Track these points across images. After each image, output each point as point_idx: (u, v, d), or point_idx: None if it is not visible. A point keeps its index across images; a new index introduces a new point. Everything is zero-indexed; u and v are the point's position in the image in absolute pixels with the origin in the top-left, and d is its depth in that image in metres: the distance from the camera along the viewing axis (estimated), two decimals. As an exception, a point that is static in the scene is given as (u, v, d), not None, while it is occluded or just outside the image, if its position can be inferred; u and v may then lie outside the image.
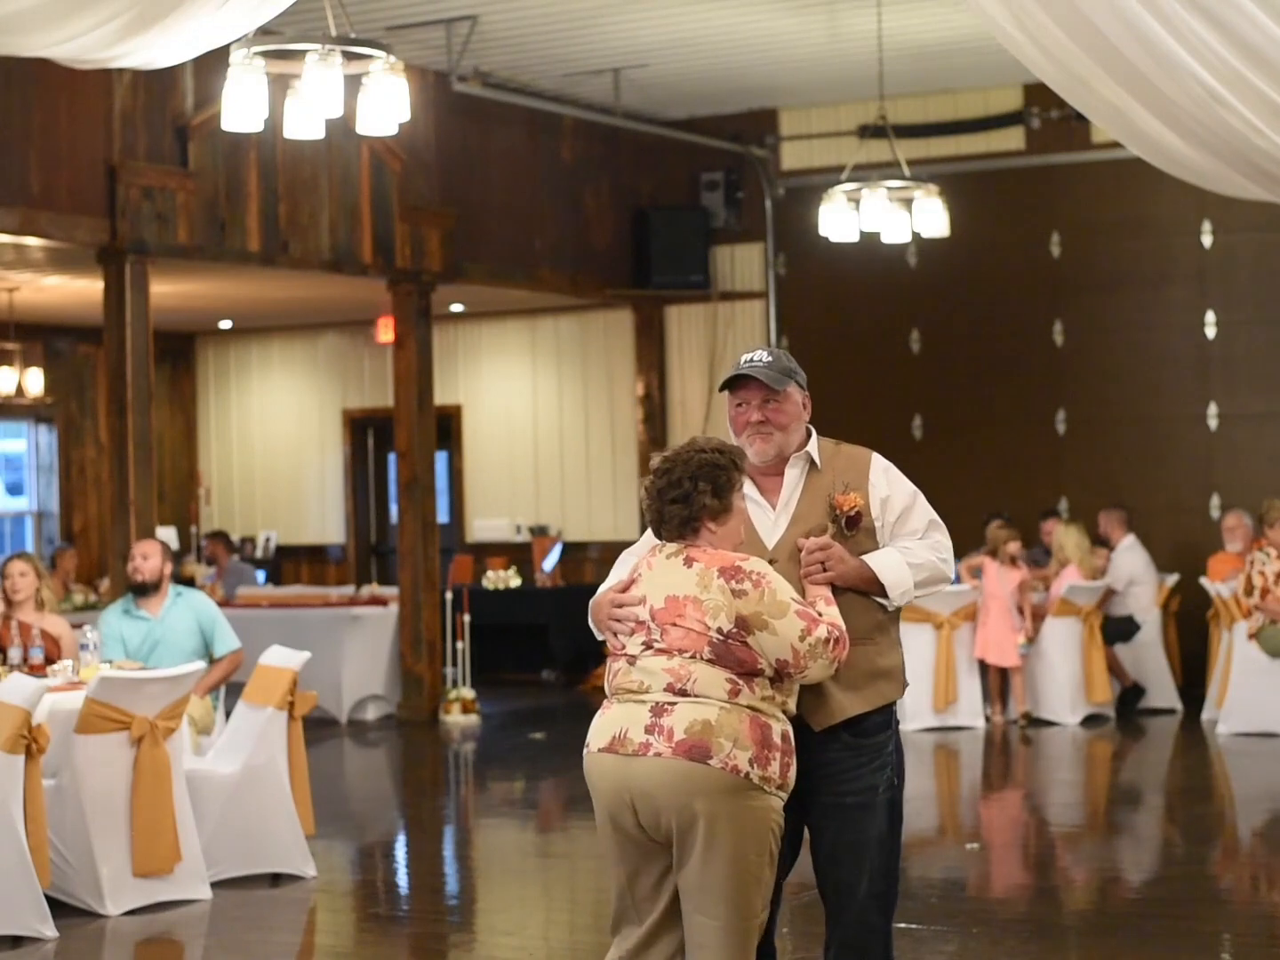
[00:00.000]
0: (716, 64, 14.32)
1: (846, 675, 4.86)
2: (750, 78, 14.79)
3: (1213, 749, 12.47)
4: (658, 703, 4.69)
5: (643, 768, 4.67)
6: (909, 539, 5.00)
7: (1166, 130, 7.44)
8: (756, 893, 4.71)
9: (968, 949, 7.26)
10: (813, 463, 5.03)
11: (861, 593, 4.92)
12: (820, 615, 4.78)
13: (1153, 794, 11.41)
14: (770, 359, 5.05)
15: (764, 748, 4.67)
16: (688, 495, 4.78)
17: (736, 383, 5.03)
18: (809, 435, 5.09)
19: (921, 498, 5.08)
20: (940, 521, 5.08)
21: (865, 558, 4.93)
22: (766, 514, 5.01)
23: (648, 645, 4.74)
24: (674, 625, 4.71)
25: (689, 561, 4.76)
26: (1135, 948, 7.25)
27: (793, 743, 4.76)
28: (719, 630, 4.68)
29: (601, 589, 4.97)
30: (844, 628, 4.78)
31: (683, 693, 4.67)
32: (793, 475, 5.03)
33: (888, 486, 5.02)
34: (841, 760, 4.92)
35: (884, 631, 4.98)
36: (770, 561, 4.90)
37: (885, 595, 4.93)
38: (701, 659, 4.68)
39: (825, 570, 4.88)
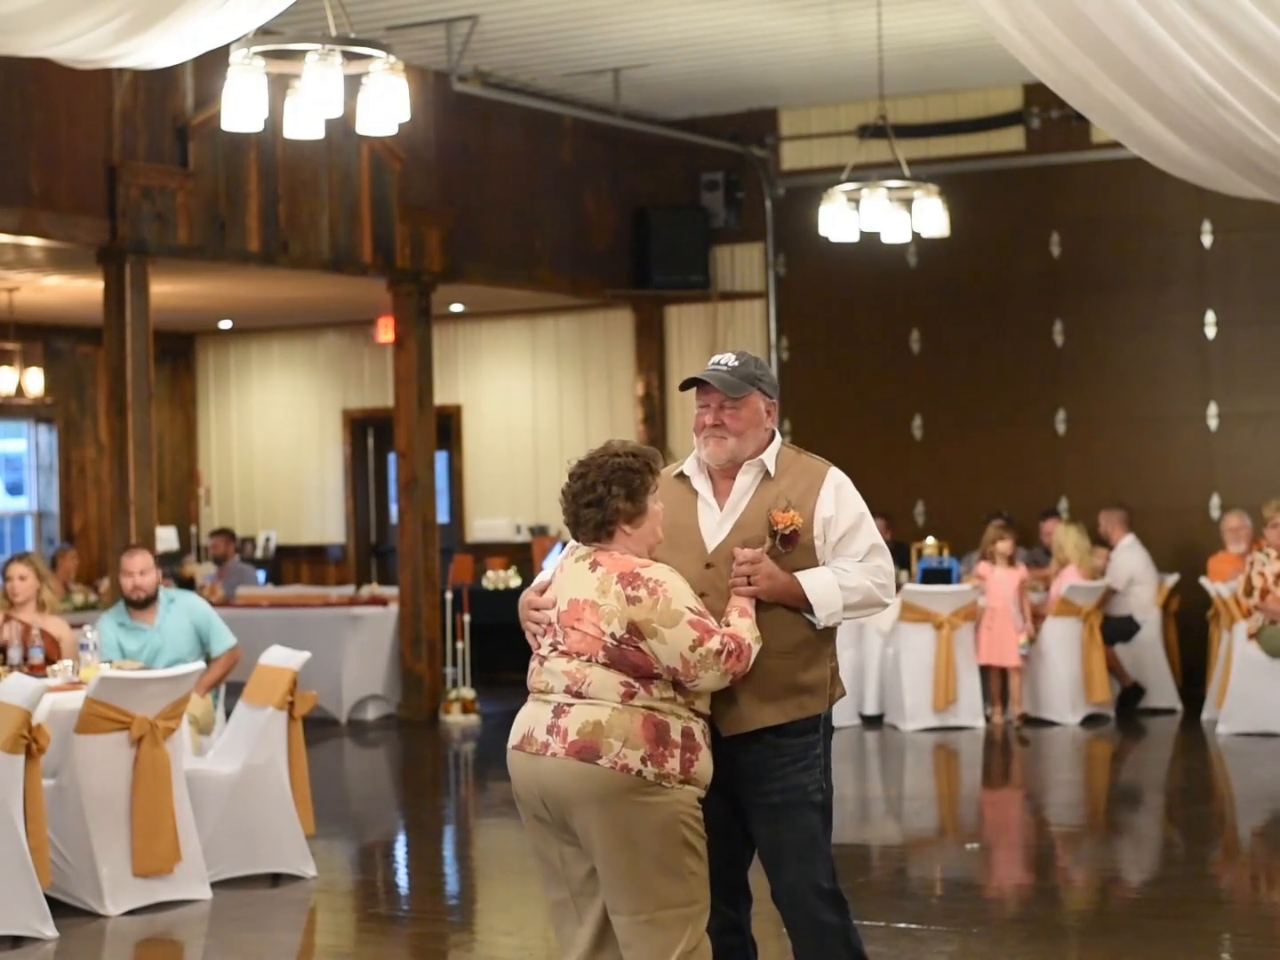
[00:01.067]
0: (716, 64, 14.31)
1: (764, 686, 4.93)
2: (750, 78, 14.79)
3: (1213, 749, 12.47)
4: (558, 704, 4.83)
5: (544, 767, 4.82)
6: (849, 560, 5.01)
7: (1166, 130, 7.44)
8: (674, 884, 4.79)
9: (968, 949, 7.26)
10: (766, 471, 5.06)
11: (792, 608, 4.96)
12: (726, 627, 4.84)
13: (1153, 794, 11.41)
14: (737, 364, 5.09)
15: (659, 745, 4.77)
16: (601, 499, 4.88)
17: (695, 385, 5.09)
18: (771, 441, 5.10)
19: (868, 520, 5.06)
20: (884, 546, 5.08)
21: (798, 575, 4.96)
22: (713, 516, 5.06)
23: (554, 647, 4.88)
24: (573, 629, 4.84)
25: (594, 566, 4.87)
26: (1135, 948, 7.25)
27: (699, 738, 4.85)
28: (612, 635, 4.78)
29: (529, 588, 5.10)
30: (748, 641, 4.83)
31: (579, 695, 4.81)
32: (744, 481, 5.06)
33: (834, 506, 5.02)
34: (766, 760, 4.99)
35: (811, 647, 5.00)
36: (707, 565, 4.97)
37: (813, 614, 4.97)
38: (597, 662, 4.80)
39: (750, 583, 4.91)
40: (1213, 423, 14.93)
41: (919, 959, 7.03)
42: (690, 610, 4.78)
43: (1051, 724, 13.35)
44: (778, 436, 5.15)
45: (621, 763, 4.74)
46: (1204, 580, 13.52)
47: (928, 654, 13.21)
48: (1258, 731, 12.47)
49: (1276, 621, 12.52)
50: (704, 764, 4.85)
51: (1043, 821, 10.30)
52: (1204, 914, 7.85)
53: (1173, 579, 14.28)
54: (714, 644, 4.76)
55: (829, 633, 5.05)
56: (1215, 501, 14.88)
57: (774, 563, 4.94)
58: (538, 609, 4.94)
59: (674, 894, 4.79)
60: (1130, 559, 14.01)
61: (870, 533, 5.04)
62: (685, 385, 5.13)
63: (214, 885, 8.17)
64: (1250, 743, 12.35)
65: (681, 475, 5.13)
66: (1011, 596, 13.26)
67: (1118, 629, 13.88)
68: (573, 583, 4.90)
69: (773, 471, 5.05)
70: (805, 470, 5.07)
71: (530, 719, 4.89)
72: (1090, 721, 13.44)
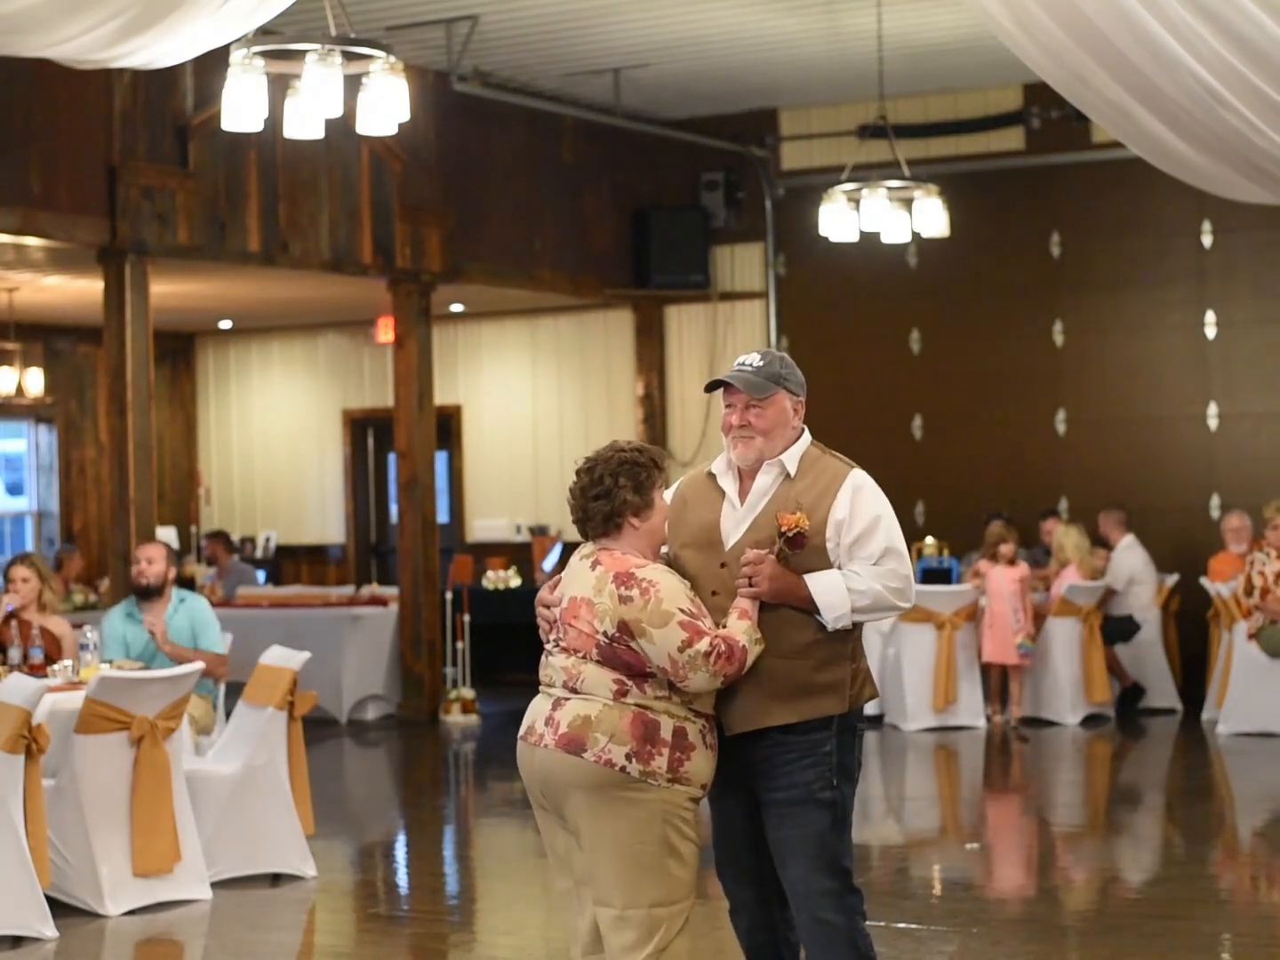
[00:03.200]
0: (716, 64, 14.31)
1: (773, 686, 4.93)
2: (750, 78, 14.79)
3: (1213, 749, 12.47)
4: (557, 698, 4.95)
5: (538, 757, 4.93)
6: (863, 564, 4.95)
7: (1166, 130, 7.45)
8: (652, 883, 4.85)
9: (968, 949, 7.26)
10: (786, 471, 5.03)
11: (803, 609, 4.93)
12: (717, 628, 4.84)
13: (1153, 794, 11.41)
14: (761, 363, 5.08)
15: (646, 743, 4.82)
16: (609, 491, 4.97)
17: (720, 386, 5.10)
18: (798, 439, 5.08)
19: (886, 522, 4.98)
20: (899, 550, 4.99)
21: (806, 577, 4.92)
22: (734, 516, 5.06)
23: (556, 643, 4.99)
24: (571, 625, 4.93)
25: (595, 564, 4.96)
26: (1135, 948, 7.25)
27: (692, 738, 4.87)
28: (604, 634, 4.86)
29: (545, 584, 5.19)
30: (741, 643, 4.83)
31: (574, 690, 4.91)
32: (763, 482, 5.05)
33: (849, 508, 4.96)
34: (772, 757, 4.98)
35: (824, 648, 4.96)
36: (721, 565, 4.98)
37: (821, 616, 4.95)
38: (591, 660, 4.89)
39: (752, 584, 4.91)
40: (1213, 423, 14.92)
41: (919, 959, 7.03)
42: (681, 611, 4.81)
43: (1051, 724, 13.34)
44: (806, 435, 5.11)
45: (605, 757, 4.81)
46: (1204, 580, 13.51)
47: (928, 654, 13.20)
48: (1258, 731, 12.48)
49: (1277, 621, 12.52)
50: (697, 764, 4.88)
51: (1043, 821, 10.30)
52: (1204, 914, 7.85)
53: (1173, 579, 14.28)
54: (703, 645, 4.78)
55: (846, 634, 5.00)
56: (1215, 501, 14.88)
57: (782, 564, 4.91)
58: (548, 605, 5.04)
59: (650, 893, 4.85)
60: (1130, 559, 14.01)
61: (887, 536, 4.97)
62: (710, 387, 5.15)
63: (214, 885, 8.17)
64: (1250, 743, 12.35)
65: (711, 474, 5.14)
66: (1010, 595, 13.24)
67: (1118, 629, 13.87)
68: (575, 580, 4.98)
69: (792, 472, 5.02)
70: (825, 471, 5.03)
71: (534, 711, 5.01)
72: (1090, 721, 13.44)
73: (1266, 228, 14.32)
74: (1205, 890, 8.40)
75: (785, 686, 4.93)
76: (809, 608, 4.93)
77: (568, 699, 4.90)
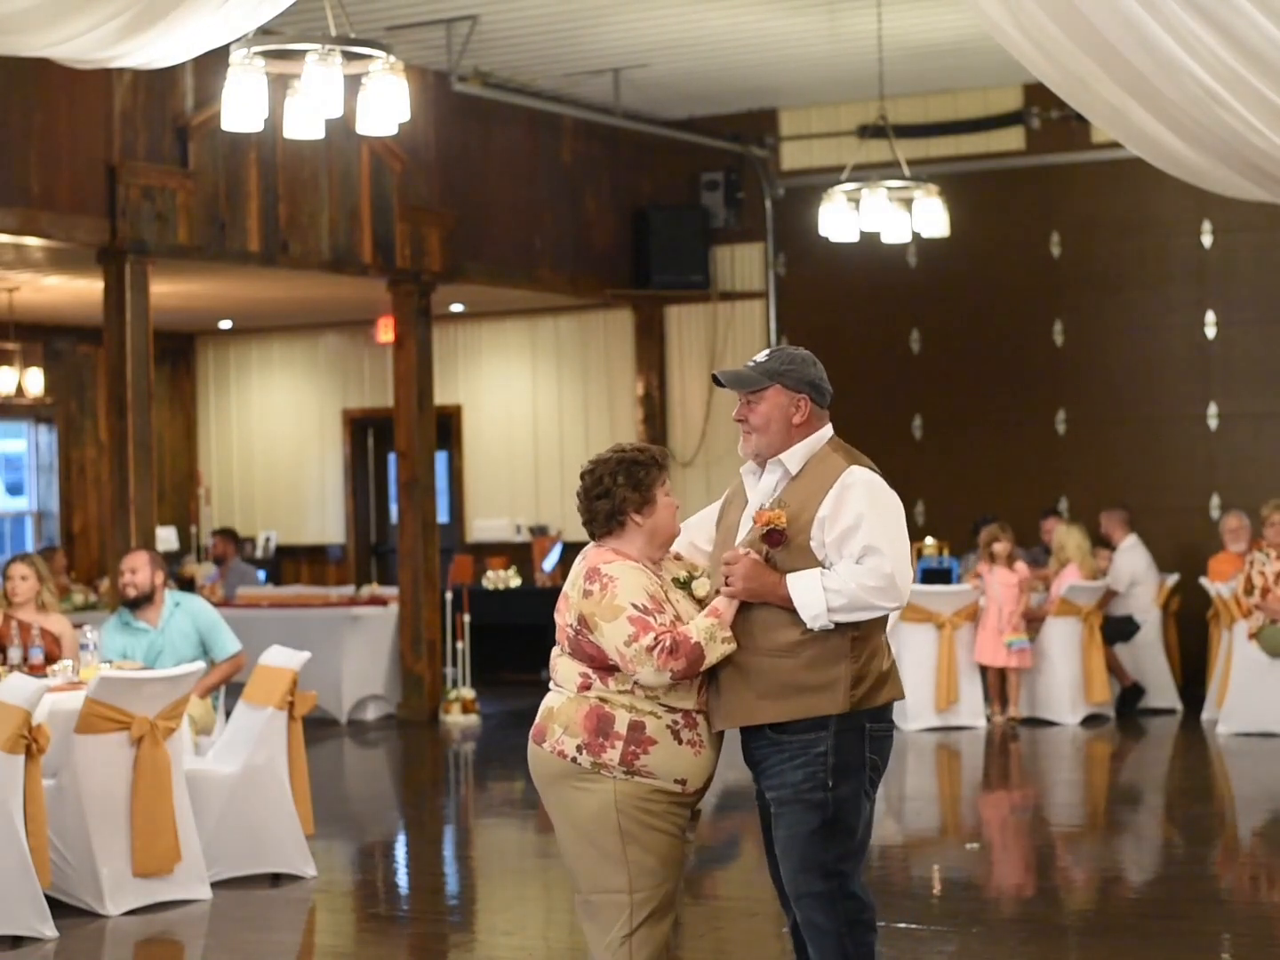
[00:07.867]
0: (716, 64, 14.32)
1: (759, 683, 4.94)
2: (750, 78, 14.79)
3: (1213, 749, 12.47)
4: (548, 691, 5.15)
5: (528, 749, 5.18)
6: (846, 563, 4.87)
7: (1166, 131, 7.44)
8: (611, 870, 5.00)
9: (968, 949, 7.26)
10: (788, 470, 5.02)
11: (788, 609, 4.90)
12: (666, 624, 4.90)
13: (1153, 794, 11.41)
14: (764, 359, 5.10)
15: (598, 736, 4.96)
16: (608, 490, 5.06)
17: (720, 382, 5.14)
18: (808, 437, 5.04)
19: (870, 520, 4.85)
20: (881, 548, 4.83)
21: (787, 576, 4.89)
22: (746, 515, 5.09)
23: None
24: (557, 619, 5.13)
25: (582, 559, 5.12)
26: (1135, 948, 7.25)
27: (653, 733, 4.95)
28: (571, 626, 5.02)
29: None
30: (694, 640, 4.87)
31: (554, 682, 5.12)
32: (768, 480, 5.07)
33: (834, 505, 4.89)
34: (768, 757, 5.03)
35: (816, 647, 4.90)
36: (727, 563, 5.00)
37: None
38: (565, 652, 5.08)
39: (728, 583, 4.94)
40: (1213, 423, 14.93)
41: (919, 959, 7.03)
42: (634, 606, 4.91)
43: (1051, 724, 13.34)
44: (822, 433, 5.05)
45: (559, 748, 5.00)
46: (1204, 580, 13.51)
47: (929, 654, 13.20)
48: (1258, 731, 12.48)
49: (1277, 621, 12.52)
50: (660, 759, 4.95)
51: (1043, 821, 10.29)
52: (1204, 914, 7.84)
53: (1173, 579, 14.28)
54: (647, 640, 4.87)
55: (844, 634, 4.90)
56: (1215, 501, 14.88)
57: (763, 563, 4.91)
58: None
59: (610, 880, 4.99)
60: (1132, 560, 14.01)
61: (870, 533, 4.83)
62: (714, 381, 5.22)
63: (214, 885, 8.17)
64: (1250, 743, 12.35)
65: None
66: (1005, 599, 13.21)
67: (1118, 629, 13.88)
68: (569, 576, 5.14)
69: (794, 470, 5.00)
70: (825, 469, 4.97)
71: None
72: (1090, 721, 13.44)
73: (1266, 228, 14.32)
74: (1205, 890, 8.39)
75: (772, 685, 4.93)
76: (790, 606, 4.89)
77: (550, 691, 5.11)
